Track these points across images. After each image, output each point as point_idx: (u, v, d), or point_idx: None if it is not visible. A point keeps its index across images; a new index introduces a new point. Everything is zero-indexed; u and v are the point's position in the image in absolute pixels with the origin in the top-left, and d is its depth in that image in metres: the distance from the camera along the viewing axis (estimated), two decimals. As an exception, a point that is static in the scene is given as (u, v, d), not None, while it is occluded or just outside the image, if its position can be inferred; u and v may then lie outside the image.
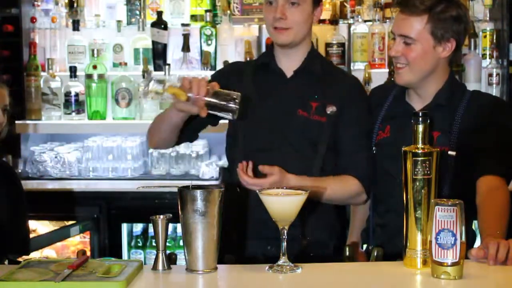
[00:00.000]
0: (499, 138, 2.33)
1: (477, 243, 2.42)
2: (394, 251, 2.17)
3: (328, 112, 2.41)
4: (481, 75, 4.04)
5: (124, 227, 4.02)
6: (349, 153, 2.42)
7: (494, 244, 1.95)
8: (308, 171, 2.39)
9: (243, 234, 2.44)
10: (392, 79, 3.74)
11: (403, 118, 2.39)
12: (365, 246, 2.62)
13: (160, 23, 4.18)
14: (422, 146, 1.97)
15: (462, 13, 2.35)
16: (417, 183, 1.97)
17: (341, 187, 2.41)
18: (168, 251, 2.01)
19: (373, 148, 2.46)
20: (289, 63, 2.46)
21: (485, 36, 4.07)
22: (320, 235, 2.47)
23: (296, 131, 2.40)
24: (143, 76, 4.13)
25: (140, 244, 4.14)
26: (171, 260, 2.06)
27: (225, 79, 2.44)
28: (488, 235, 2.06)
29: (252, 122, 2.43)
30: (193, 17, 4.25)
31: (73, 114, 4.14)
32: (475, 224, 2.38)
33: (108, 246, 3.86)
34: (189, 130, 2.43)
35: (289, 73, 2.47)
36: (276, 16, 2.36)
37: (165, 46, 4.21)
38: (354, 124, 2.43)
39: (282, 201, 1.98)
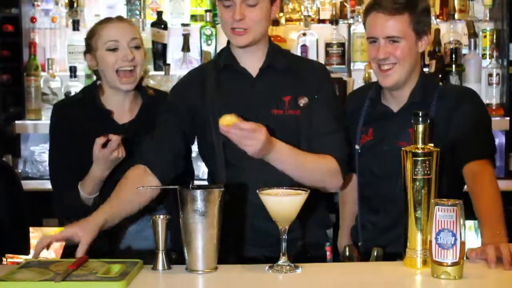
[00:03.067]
0: (469, 123, 2.34)
1: (476, 242, 2.43)
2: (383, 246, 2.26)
3: (301, 105, 2.34)
4: (481, 75, 4.04)
5: (124, 227, 4.01)
6: (324, 134, 2.34)
7: (491, 247, 1.96)
8: None
9: (241, 241, 2.40)
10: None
11: (382, 120, 2.43)
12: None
13: (160, 23, 4.18)
14: (422, 146, 1.98)
15: (428, 4, 2.42)
16: (417, 183, 1.97)
17: (321, 161, 2.30)
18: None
19: (359, 149, 2.46)
20: (252, 61, 2.38)
21: (485, 36, 4.08)
22: (315, 234, 2.45)
23: (274, 131, 2.27)
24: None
25: (140, 244, 4.14)
26: (171, 259, 2.06)
27: (182, 99, 2.38)
28: (486, 234, 2.08)
29: None
30: (193, 17, 4.25)
31: (73, 114, 4.14)
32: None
33: (108, 246, 3.86)
34: (171, 163, 2.37)
35: (254, 72, 2.38)
36: (235, 18, 2.27)
37: (165, 46, 4.21)
38: (325, 107, 2.36)
39: (282, 201, 1.97)
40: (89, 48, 2.51)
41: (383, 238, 2.36)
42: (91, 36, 2.50)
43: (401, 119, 2.38)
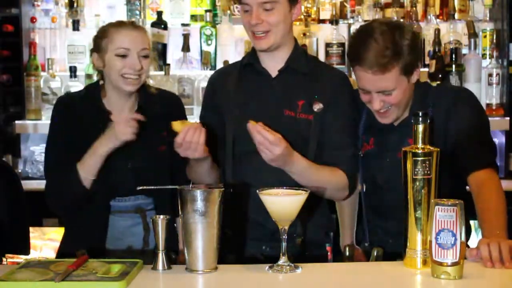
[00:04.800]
0: (468, 128, 2.32)
1: (473, 240, 2.43)
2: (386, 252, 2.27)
3: (315, 110, 2.38)
4: (481, 75, 4.05)
5: (124, 227, 4.00)
6: (337, 148, 2.38)
7: (485, 246, 1.96)
8: None
9: (238, 234, 2.42)
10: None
11: (383, 131, 2.39)
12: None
13: (160, 23, 4.18)
14: (422, 146, 1.98)
15: (412, 36, 2.28)
16: (417, 183, 1.97)
17: (333, 178, 2.36)
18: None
19: (361, 154, 2.45)
20: (273, 62, 2.43)
21: (485, 36, 4.08)
22: (316, 234, 2.45)
23: (284, 131, 2.28)
24: (143, 76, 4.14)
25: (140, 244, 4.13)
26: (171, 259, 2.06)
27: (210, 98, 2.50)
28: (485, 235, 2.07)
29: (240, 125, 2.34)
30: (193, 17, 4.25)
31: (73, 114, 4.13)
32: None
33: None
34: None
35: (273, 72, 2.43)
36: (252, 22, 2.33)
37: (165, 46, 4.21)
38: (340, 119, 2.39)
39: (282, 201, 1.98)
40: (98, 48, 2.48)
41: (395, 244, 2.28)
42: (101, 37, 2.47)
43: (401, 132, 2.35)
